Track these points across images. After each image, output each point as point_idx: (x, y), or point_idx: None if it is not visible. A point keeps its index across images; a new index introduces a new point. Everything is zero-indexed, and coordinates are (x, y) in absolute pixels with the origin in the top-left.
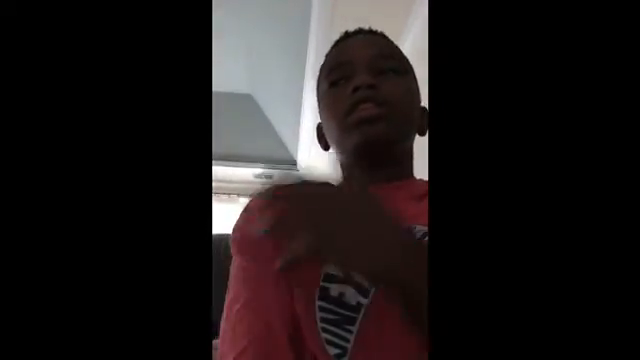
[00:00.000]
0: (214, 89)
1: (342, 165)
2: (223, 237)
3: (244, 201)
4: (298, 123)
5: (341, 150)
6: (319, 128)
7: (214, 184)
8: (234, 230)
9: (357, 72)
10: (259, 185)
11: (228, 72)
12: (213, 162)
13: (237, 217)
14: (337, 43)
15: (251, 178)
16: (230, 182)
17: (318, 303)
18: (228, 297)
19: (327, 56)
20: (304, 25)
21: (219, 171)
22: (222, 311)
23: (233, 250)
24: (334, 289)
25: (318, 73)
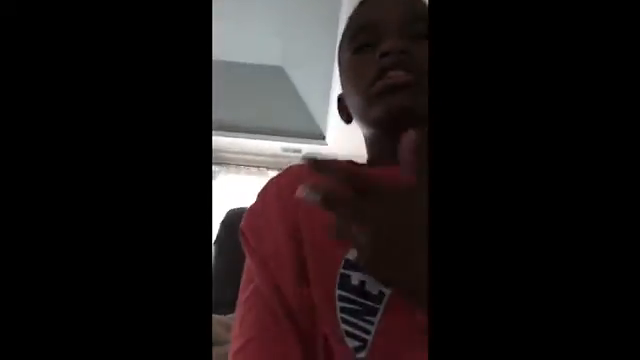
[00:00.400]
0: (245, 60)
1: (366, 139)
2: None
3: (273, 174)
4: (328, 98)
5: (364, 123)
6: (340, 99)
7: (243, 157)
8: (247, 215)
9: (385, 36)
10: (287, 159)
11: (260, 44)
12: (242, 135)
13: (254, 203)
14: (362, 3)
15: (279, 151)
16: (258, 155)
17: (338, 292)
18: (243, 278)
19: (350, 18)
20: None
21: (248, 144)
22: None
23: (244, 230)
24: (355, 277)
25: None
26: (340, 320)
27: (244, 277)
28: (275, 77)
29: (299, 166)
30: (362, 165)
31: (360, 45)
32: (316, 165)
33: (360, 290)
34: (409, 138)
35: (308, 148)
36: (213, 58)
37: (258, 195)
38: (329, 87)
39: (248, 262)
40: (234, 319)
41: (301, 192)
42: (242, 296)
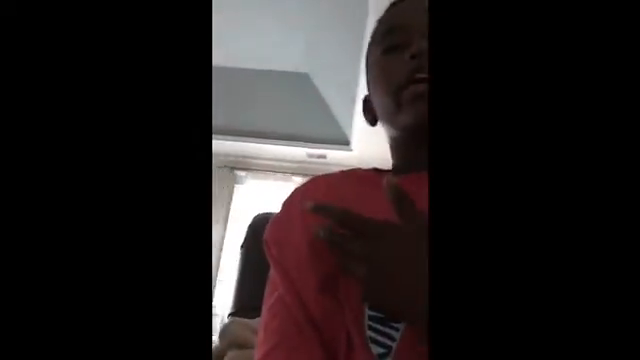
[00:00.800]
0: (271, 67)
1: (391, 142)
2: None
3: (298, 180)
4: (353, 104)
5: (392, 127)
6: (366, 101)
7: (269, 162)
8: (272, 224)
9: (416, 38)
10: (312, 164)
11: (286, 51)
12: (268, 141)
13: (277, 217)
14: (393, 4)
15: (304, 157)
16: (284, 161)
17: None
18: (267, 285)
19: (380, 20)
20: (363, 5)
21: (274, 150)
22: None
23: (267, 241)
24: None
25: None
26: (367, 327)
27: (268, 284)
28: (301, 84)
29: (324, 177)
30: (387, 172)
31: (390, 46)
32: (315, 209)
33: None
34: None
35: (333, 154)
36: (239, 66)
37: (282, 205)
38: (354, 94)
39: (272, 271)
40: (259, 324)
41: (315, 230)
42: (267, 303)
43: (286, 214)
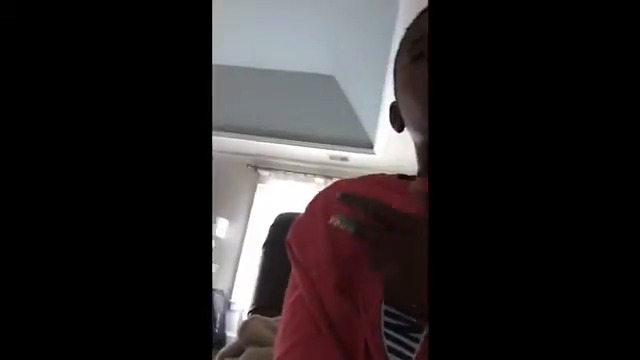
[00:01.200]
0: (297, 69)
1: (418, 148)
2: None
3: (319, 181)
4: (378, 108)
5: (419, 133)
6: (393, 107)
7: (291, 163)
8: (295, 226)
9: None
10: (334, 166)
11: (312, 53)
12: (291, 142)
13: (302, 216)
14: (422, 12)
15: (327, 159)
16: (306, 162)
17: (384, 307)
18: (289, 284)
19: (409, 28)
20: (392, 8)
21: (296, 150)
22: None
23: (290, 243)
24: None
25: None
26: (384, 336)
27: (290, 283)
28: (326, 86)
29: (346, 181)
30: (411, 177)
31: (419, 54)
32: (346, 198)
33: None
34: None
35: (356, 157)
36: (266, 67)
37: (306, 208)
38: (380, 97)
39: (293, 271)
40: (279, 322)
41: (335, 220)
42: (287, 302)
43: (309, 217)
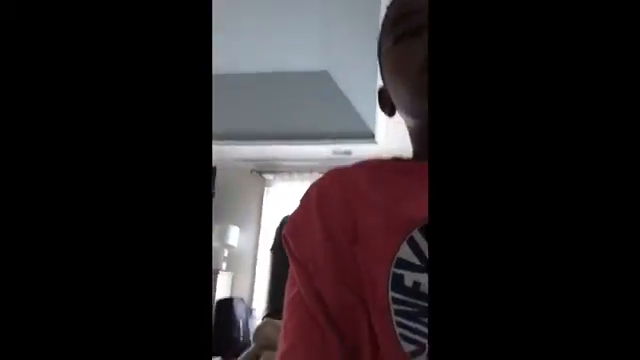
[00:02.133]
0: (290, 69)
1: (411, 131)
2: None
3: None
4: (375, 97)
5: (409, 116)
6: (381, 92)
7: (296, 163)
8: (290, 221)
9: (426, 23)
10: (338, 161)
11: (303, 51)
12: (294, 142)
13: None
14: None
15: (330, 155)
16: (310, 160)
17: (391, 294)
18: (288, 281)
19: (389, 7)
20: None
21: (299, 150)
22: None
23: (286, 237)
24: (408, 277)
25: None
26: (395, 323)
27: (289, 281)
28: (321, 82)
29: (339, 169)
30: (408, 160)
31: (400, 35)
32: None
33: (415, 291)
34: None
35: (358, 149)
36: (258, 71)
37: (300, 201)
38: (375, 86)
39: (291, 266)
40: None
41: None
42: (287, 298)
43: (303, 209)
